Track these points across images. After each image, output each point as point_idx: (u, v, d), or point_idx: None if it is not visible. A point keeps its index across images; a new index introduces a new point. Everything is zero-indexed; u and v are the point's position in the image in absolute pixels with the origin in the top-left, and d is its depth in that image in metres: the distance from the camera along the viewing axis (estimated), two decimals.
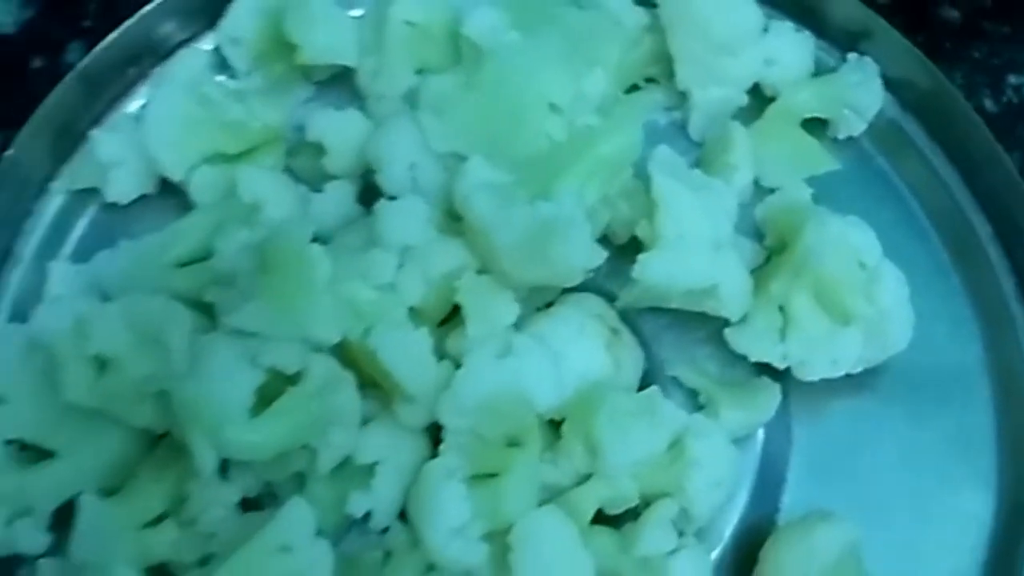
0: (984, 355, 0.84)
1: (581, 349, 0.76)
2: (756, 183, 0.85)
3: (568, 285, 0.77)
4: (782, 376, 0.80)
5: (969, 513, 0.80)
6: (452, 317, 0.78)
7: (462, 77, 0.82)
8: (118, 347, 0.75)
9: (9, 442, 0.77)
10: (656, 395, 0.75)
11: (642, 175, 0.79)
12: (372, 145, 0.81)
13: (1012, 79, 0.94)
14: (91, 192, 0.87)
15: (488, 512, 0.72)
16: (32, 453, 0.78)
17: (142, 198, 0.87)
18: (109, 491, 0.76)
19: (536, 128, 0.80)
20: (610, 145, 0.78)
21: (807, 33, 0.89)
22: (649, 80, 0.89)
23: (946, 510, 0.80)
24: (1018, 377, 0.82)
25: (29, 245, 0.87)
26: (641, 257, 0.75)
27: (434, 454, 0.74)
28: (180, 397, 0.71)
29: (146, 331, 0.75)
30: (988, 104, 0.93)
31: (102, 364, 0.76)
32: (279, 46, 0.86)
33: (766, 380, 0.80)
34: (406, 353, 0.73)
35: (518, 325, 0.76)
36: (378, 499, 0.75)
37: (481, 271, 0.76)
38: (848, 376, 0.80)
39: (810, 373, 0.78)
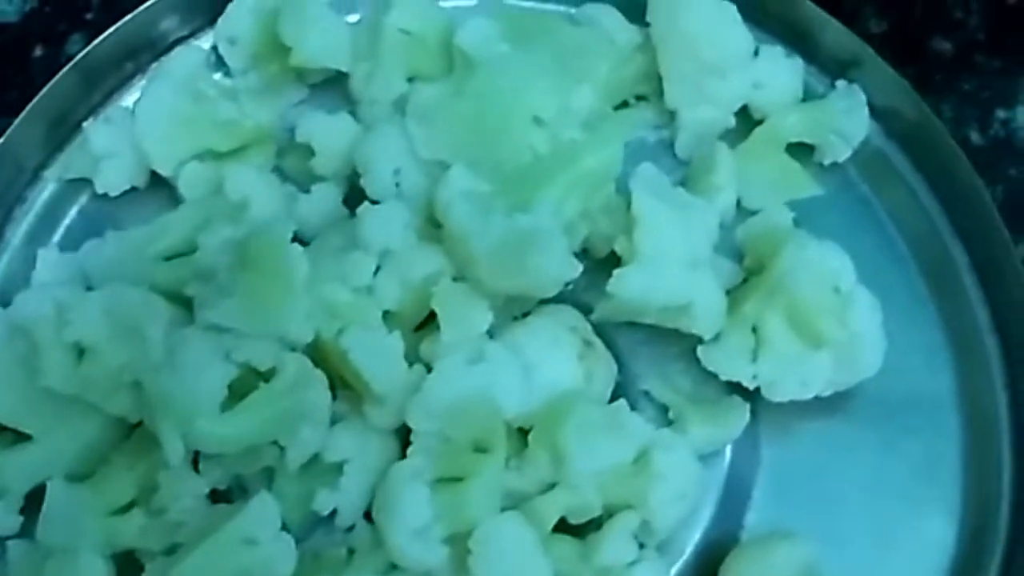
0: (955, 384, 0.84)
1: (553, 359, 0.77)
2: (739, 204, 0.86)
3: (544, 296, 0.78)
4: (753, 396, 0.80)
5: (933, 538, 0.81)
6: (428, 323, 0.79)
7: (451, 86, 0.83)
8: (96, 335, 0.76)
9: None
10: (623, 408, 0.76)
11: (624, 191, 0.79)
12: (359, 149, 0.82)
13: (1000, 113, 0.94)
14: (83, 182, 0.88)
15: (451, 515, 0.72)
16: (8, 436, 0.79)
17: (132, 191, 0.88)
18: (81, 476, 0.77)
19: (520, 140, 0.81)
20: (591, 160, 0.79)
21: (797, 58, 0.89)
22: (640, 98, 0.90)
23: (910, 535, 0.81)
24: (987, 407, 0.83)
25: (19, 231, 0.88)
26: (617, 272, 0.76)
27: (403, 456, 0.75)
28: (153, 388, 0.72)
29: (125, 321, 0.76)
30: (975, 137, 0.94)
31: (80, 352, 0.77)
32: (274, 47, 0.87)
33: (736, 399, 0.80)
34: (377, 355, 0.74)
35: (493, 334, 0.77)
36: (344, 497, 0.76)
37: (458, 278, 0.77)
38: (818, 399, 0.80)
39: (779, 394, 0.79)
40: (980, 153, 0.91)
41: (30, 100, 0.87)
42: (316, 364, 0.75)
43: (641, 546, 0.75)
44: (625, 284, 0.76)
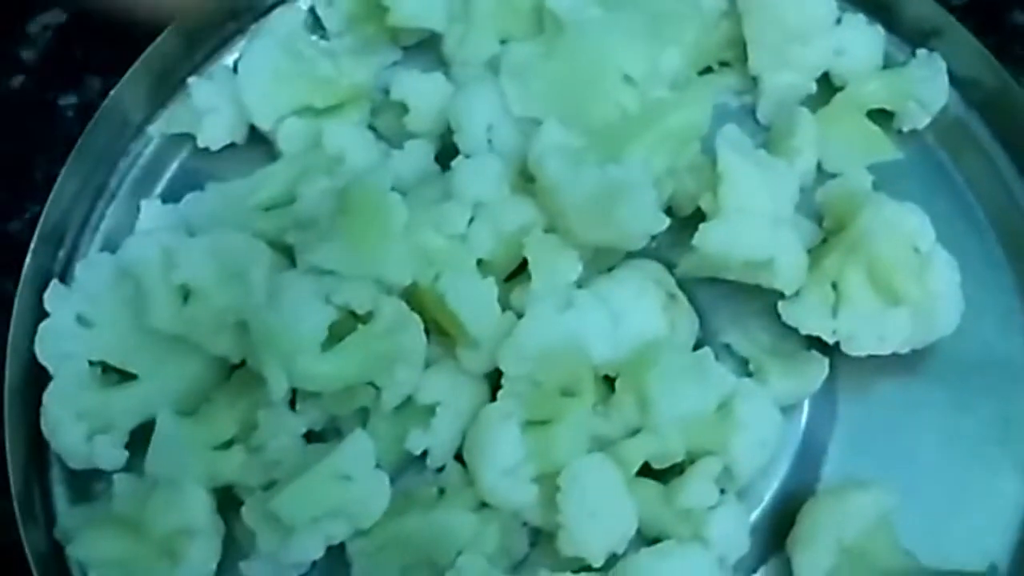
0: None
1: (639, 309, 0.79)
2: (819, 168, 0.88)
3: (631, 248, 0.81)
4: (831, 352, 0.82)
5: (1004, 496, 0.82)
6: (518, 273, 0.81)
7: (543, 46, 0.86)
8: (203, 278, 0.79)
9: (93, 363, 0.82)
10: (708, 356, 0.78)
11: (709, 151, 0.82)
12: (453, 106, 0.85)
13: None
14: (184, 137, 0.92)
15: (540, 455, 0.75)
16: (114, 375, 0.82)
17: (231, 146, 0.91)
18: (185, 414, 0.81)
19: (610, 98, 0.83)
20: (679, 118, 0.81)
21: (878, 27, 0.91)
22: (723, 64, 0.92)
23: (982, 492, 0.82)
24: None
25: (124, 182, 0.92)
26: (703, 225, 0.78)
27: (492, 401, 0.78)
28: (257, 327, 0.75)
29: (229, 265, 0.80)
30: None
31: (186, 293, 0.80)
32: (371, 9, 0.90)
33: (815, 353, 0.82)
34: (472, 299, 0.77)
35: (581, 285, 0.80)
36: (436, 438, 0.79)
37: (549, 229, 0.80)
38: (895, 357, 0.82)
39: (858, 348, 0.81)
40: None
41: (134, 59, 0.90)
42: (411, 308, 0.78)
43: (722, 492, 0.77)
44: (710, 237, 0.78)
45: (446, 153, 0.86)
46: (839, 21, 0.89)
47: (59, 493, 0.84)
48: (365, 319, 0.77)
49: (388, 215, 0.76)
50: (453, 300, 0.76)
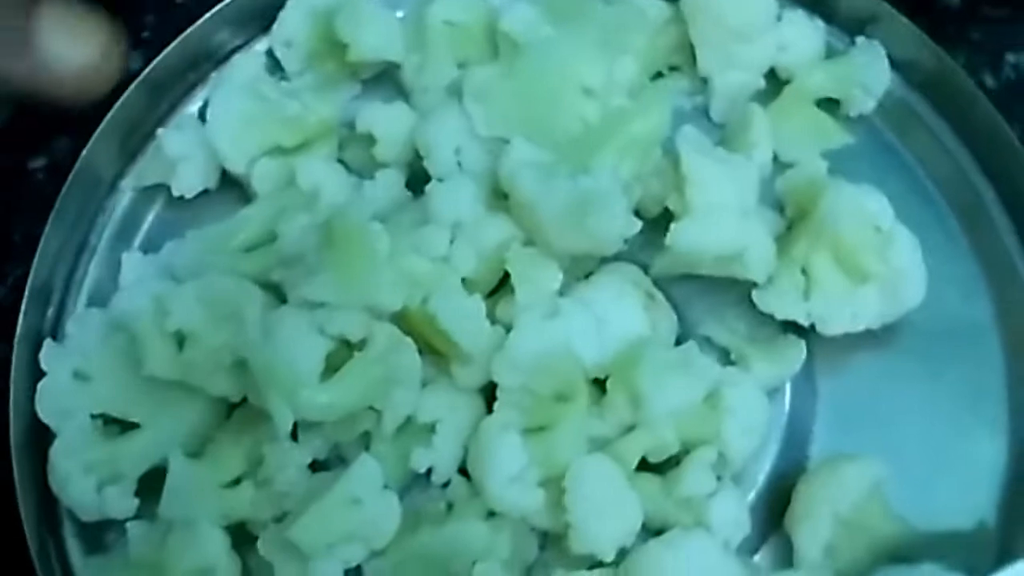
0: (994, 311, 0.89)
1: (621, 311, 0.82)
2: (775, 159, 0.90)
3: (606, 254, 0.83)
4: (807, 334, 0.85)
5: (984, 458, 0.86)
6: (500, 288, 0.84)
7: (502, 68, 0.88)
8: (195, 322, 0.81)
9: (95, 416, 0.83)
10: (693, 348, 0.81)
11: (670, 153, 0.85)
12: (420, 132, 0.87)
13: (1010, 57, 0.99)
14: (157, 188, 0.93)
15: (542, 461, 0.78)
16: (117, 426, 0.84)
17: (204, 192, 0.92)
18: (191, 456, 0.82)
19: (572, 111, 0.86)
20: (641, 124, 0.84)
21: (817, 20, 0.94)
22: (673, 68, 0.95)
23: (962, 455, 0.86)
24: None
25: (102, 238, 0.93)
26: (674, 226, 0.81)
27: (489, 413, 0.80)
28: (257, 364, 0.77)
29: (220, 308, 0.81)
30: (989, 81, 0.99)
31: (181, 339, 0.82)
32: (329, 46, 0.92)
33: (792, 337, 0.86)
34: (463, 316, 0.79)
35: (562, 293, 0.82)
36: (439, 454, 0.81)
37: (527, 243, 0.82)
38: (867, 333, 0.85)
39: (831, 328, 0.84)
40: (995, 95, 0.94)
41: (99, 115, 0.91)
42: (403, 332, 0.80)
43: (718, 478, 0.80)
44: (682, 237, 0.81)
45: (416, 179, 0.88)
46: (780, 18, 0.92)
47: (73, 546, 0.86)
48: (360, 346, 0.79)
49: (372, 244, 0.78)
50: (444, 319, 0.78)
